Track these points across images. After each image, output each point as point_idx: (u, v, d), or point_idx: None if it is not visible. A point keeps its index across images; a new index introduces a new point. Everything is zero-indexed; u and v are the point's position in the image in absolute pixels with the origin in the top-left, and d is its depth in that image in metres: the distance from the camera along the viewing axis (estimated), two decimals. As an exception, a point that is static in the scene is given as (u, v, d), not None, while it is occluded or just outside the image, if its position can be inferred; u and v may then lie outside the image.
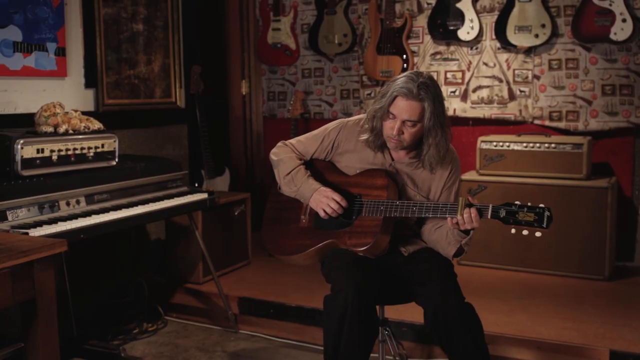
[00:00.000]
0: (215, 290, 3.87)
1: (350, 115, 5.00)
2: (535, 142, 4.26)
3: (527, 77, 4.51)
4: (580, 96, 4.37)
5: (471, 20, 4.53)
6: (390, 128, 2.54)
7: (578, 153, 4.14)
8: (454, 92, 4.71)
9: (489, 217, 2.40)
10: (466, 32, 4.56)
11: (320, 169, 2.78)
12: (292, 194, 2.74)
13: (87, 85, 3.89)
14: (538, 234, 2.38)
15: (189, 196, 3.66)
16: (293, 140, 2.86)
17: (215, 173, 4.93)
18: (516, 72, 4.53)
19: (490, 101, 4.62)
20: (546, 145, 4.23)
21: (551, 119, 4.46)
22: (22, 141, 2.97)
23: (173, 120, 4.61)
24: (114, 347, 3.50)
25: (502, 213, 2.38)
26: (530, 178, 4.25)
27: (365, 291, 2.45)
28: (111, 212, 3.18)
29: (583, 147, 4.13)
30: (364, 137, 2.67)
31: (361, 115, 2.77)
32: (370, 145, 2.67)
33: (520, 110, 4.54)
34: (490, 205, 2.41)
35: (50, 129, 3.17)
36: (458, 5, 4.55)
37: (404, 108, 2.49)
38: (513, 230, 2.46)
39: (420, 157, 2.63)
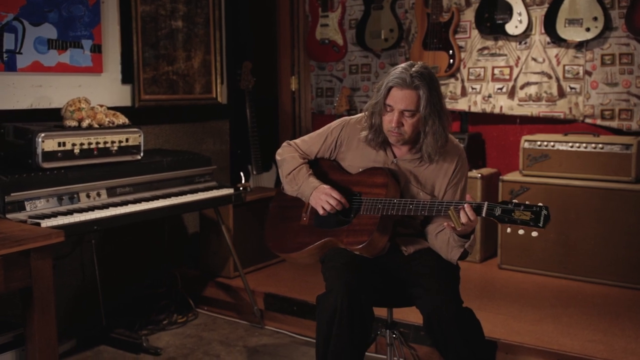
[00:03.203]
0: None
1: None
2: (582, 142, 4.02)
3: (577, 73, 4.26)
4: (634, 93, 4.08)
5: (519, 14, 4.33)
6: (389, 121, 2.49)
7: (626, 154, 3.87)
8: (500, 88, 4.52)
9: (483, 215, 2.32)
10: (514, 26, 4.36)
11: (324, 168, 2.76)
12: (294, 192, 2.73)
13: (124, 81, 4.00)
14: (534, 233, 2.28)
15: (214, 191, 3.70)
16: (298, 140, 2.87)
17: (262, 169, 4.96)
18: (566, 68, 4.29)
19: (538, 98, 4.39)
20: (593, 145, 3.98)
21: (603, 117, 4.20)
22: (43, 134, 3.09)
23: (214, 116, 4.66)
24: (137, 336, 3.59)
25: (498, 211, 2.29)
26: (575, 180, 4.01)
27: (357, 292, 2.40)
28: (130, 205, 3.26)
29: (632, 148, 3.86)
30: (364, 134, 2.63)
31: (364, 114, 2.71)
32: (370, 144, 2.63)
33: (570, 108, 4.30)
34: (486, 203, 2.32)
35: (75, 123, 3.29)
36: (506, -2, 4.37)
37: (399, 98, 2.45)
38: (509, 230, 2.37)
39: (421, 152, 2.56)
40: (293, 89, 5.40)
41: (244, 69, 4.79)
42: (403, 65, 2.50)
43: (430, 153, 2.53)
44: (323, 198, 2.57)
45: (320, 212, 2.59)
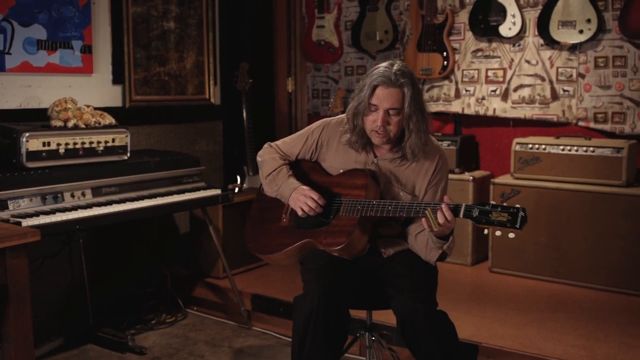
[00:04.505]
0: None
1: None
2: (573, 145, 3.99)
3: (571, 76, 4.22)
4: (627, 96, 4.04)
5: (513, 16, 4.30)
6: (372, 121, 2.49)
7: (617, 158, 3.83)
8: (494, 91, 4.49)
9: (461, 216, 2.31)
10: (508, 28, 4.33)
11: (305, 169, 2.76)
12: (274, 193, 2.72)
13: (115, 81, 4.02)
14: (511, 235, 2.27)
15: (201, 192, 3.72)
16: (279, 142, 2.86)
17: (258, 170, 4.95)
18: (560, 70, 4.25)
19: (531, 101, 4.36)
20: (584, 148, 3.95)
21: (596, 120, 4.16)
22: (27, 134, 3.12)
23: (206, 117, 4.68)
24: (123, 335, 3.60)
25: (475, 212, 2.29)
26: (566, 183, 3.99)
27: (333, 294, 2.40)
28: (114, 205, 3.28)
29: (623, 152, 3.82)
30: (346, 138, 2.62)
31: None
32: (353, 146, 2.62)
33: (563, 111, 4.26)
34: (464, 204, 2.32)
35: (61, 123, 3.31)
36: (500, 0, 4.34)
37: (385, 96, 2.45)
38: (486, 231, 2.36)
39: (403, 151, 2.56)
40: (289, 90, 5.41)
41: (241, 70, 4.79)
42: (384, 65, 2.50)
43: (414, 150, 2.53)
44: (302, 199, 2.57)
45: (299, 213, 2.59)
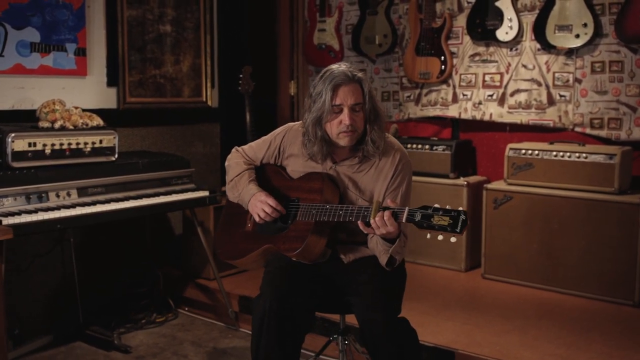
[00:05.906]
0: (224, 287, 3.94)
1: (390, 118, 4.89)
2: (566, 151, 3.93)
3: (567, 81, 4.16)
4: (623, 102, 3.97)
5: (510, 20, 4.26)
6: (339, 123, 2.46)
7: (610, 164, 3.77)
8: (491, 95, 4.45)
9: (403, 220, 2.27)
10: (505, 32, 4.29)
11: (268, 174, 2.76)
12: (235, 199, 2.73)
13: (109, 83, 4.09)
14: (453, 239, 2.23)
15: (189, 193, 3.75)
16: (246, 146, 2.87)
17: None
18: (556, 75, 4.20)
19: (528, 106, 4.31)
20: (577, 155, 3.89)
21: (592, 126, 4.09)
22: (13, 135, 3.19)
23: (203, 119, 4.72)
24: (109, 334, 3.65)
25: (418, 217, 2.23)
26: (559, 190, 3.93)
27: (286, 297, 2.41)
28: (98, 205, 3.32)
29: (616, 158, 3.75)
30: (309, 152, 2.58)
31: None
32: (315, 158, 2.59)
33: (559, 116, 4.20)
34: (407, 208, 2.27)
35: (48, 124, 3.37)
36: (497, 3, 4.29)
37: (347, 93, 2.44)
38: (428, 235, 2.29)
39: (362, 153, 2.54)
40: (292, 93, 5.43)
41: (244, 73, 4.80)
42: (332, 67, 2.50)
43: (378, 144, 2.50)
44: (259, 205, 2.56)
45: (256, 219, 2.59)
